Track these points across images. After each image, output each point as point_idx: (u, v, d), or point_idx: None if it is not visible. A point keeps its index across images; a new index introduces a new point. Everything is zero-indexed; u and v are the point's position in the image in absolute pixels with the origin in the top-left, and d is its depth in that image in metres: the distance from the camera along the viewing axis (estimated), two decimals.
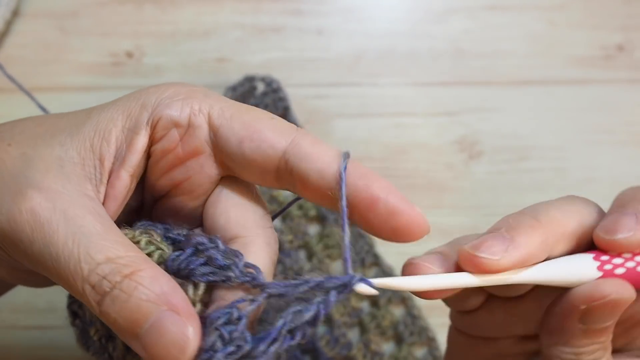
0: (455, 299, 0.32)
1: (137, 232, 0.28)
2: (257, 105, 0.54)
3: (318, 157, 0.27)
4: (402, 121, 0.57)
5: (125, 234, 0.27)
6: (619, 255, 0.28)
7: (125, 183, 0.28)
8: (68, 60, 0.57)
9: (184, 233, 0.29)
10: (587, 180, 0.57)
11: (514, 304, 0.31)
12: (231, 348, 0.24)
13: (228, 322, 0.25)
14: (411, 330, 0.51)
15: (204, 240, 0.27)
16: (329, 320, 0.51)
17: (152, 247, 0.27)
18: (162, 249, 0.27)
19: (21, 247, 0.25)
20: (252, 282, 0.26)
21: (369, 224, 0.27)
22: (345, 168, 0.26)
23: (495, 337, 0.33)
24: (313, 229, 0.54)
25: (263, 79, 0.56)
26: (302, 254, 0.53)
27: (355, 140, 0.56)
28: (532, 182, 0.56)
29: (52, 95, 0.55)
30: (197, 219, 0.31)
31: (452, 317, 0.35)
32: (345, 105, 0.57)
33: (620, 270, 0.28)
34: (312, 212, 0.53)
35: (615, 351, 0.30)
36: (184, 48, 0.57)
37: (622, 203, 0.30)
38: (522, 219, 0.28)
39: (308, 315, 0.25)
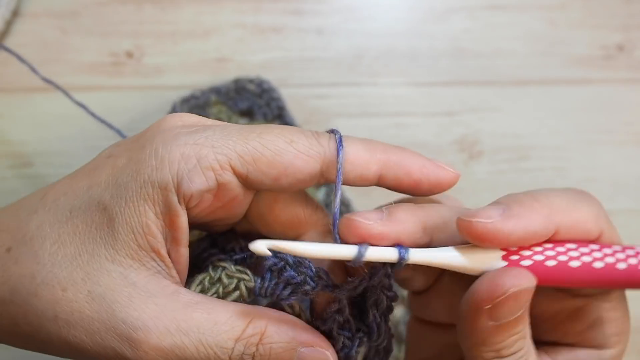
0: (403, 279, 0.33)
1: (211, 271, 0.30)
2: (251, 108, 0.54)
3: (354, 167, 0.29)
4: (402, 121, 0.57)
5: (203, 279, 0.29)
6: (528, 247, 0.28)
7: (186, 256, 0.29)
8: (68, 60, 0.57)
9: (246, 249, 0.30)
10: (587, 180, 0.57)
11: (461, 288, 0.31)
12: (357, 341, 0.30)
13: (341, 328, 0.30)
14: None
15: (275, 260, 0.29)
16: None
17: (234, 280, 0.29)
18: (242, 278, 0.29)
19: None
20: (325, 289, 0.29)
21: (413, 194, 0.31)
22: (341, 166, 0.28)
23: (446, 323, 0.33)
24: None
25: (252, 81, 0.55)
26: None
27: None
28: (532, 182, 0.56)
29: (52, 95, 0.55)
30: (233, 223, 0.32)
31: (409, 301, 0.36)
32: (345, 105, 0.57)
33: (526, 262, 0.27)
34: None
35: (550, 344, 0.31)
36: (184, 48, 0.57)
37: (499, 200, 0.30)
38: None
39: (383, 305, 0.30)
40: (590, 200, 0.30)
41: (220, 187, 0.28)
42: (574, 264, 0.28)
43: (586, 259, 0.28)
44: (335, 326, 0.29)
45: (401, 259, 0.27)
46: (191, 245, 0.30)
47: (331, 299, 0.29)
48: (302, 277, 0.28)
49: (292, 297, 0.29)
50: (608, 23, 0.60)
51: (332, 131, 0.29)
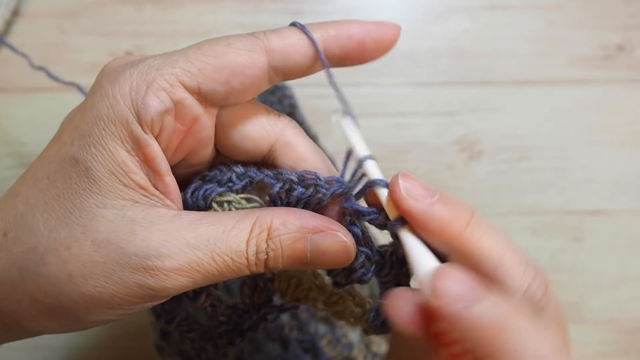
0: None
1: (217, 207, 0.30)
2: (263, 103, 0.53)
3: (296, 48, 0.29)
4: (402, 121, 0.57)
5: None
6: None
7: (174, 183, 0.29)
8: (68, 60, 0.57)
9: (242, 174, 0.30)
10: (587, 180, 0.57)
11: None
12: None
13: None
14: None
15: (279, 184, 0.29)
16: (330, 320, 0.51)
17: (255, 203, 0.30)
18: (254, 207, 0.30)
19: (185, 290, 0.28)
20: (341, 193, 0.30)
21: (366, 58, 0.30)
22: (318, 45, 0.29)
23: None
24: None
25: None
26: None
27: None
28: (532, 182, 0.56)
29: (53, 95, 0.55)
30: (212, 158, 0.32)
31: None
32: None
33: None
34: None
35: None
36: None
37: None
38: (459, 207, 0.28)
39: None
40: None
41: (177, 106, 0.28)
42: None
43: None
44: (355, 238, 0.29)
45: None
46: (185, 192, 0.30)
47: (342, 211, 0.30)
48: (312, 188, 0.29)
49: (304, 206, 0.29)
50: (608, 23, 0.60)
51: (293, 24, 0.30)
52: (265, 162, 0.32)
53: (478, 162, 0.57)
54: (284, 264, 0.28)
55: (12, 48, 0.46)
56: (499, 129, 0.57)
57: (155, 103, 0.27)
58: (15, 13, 0.57)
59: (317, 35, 0.29)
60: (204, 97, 0.28)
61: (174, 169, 0.31)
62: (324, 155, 0.32)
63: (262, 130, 0.31)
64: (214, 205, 0.30)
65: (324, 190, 0.29)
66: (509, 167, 0.57)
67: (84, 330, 0.29)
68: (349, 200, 0.29)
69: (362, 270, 0.30)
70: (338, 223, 0.29)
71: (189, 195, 0.30)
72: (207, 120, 0.29)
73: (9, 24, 0.57)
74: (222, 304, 0.33)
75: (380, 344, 0.51)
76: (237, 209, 0.30)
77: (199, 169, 0.32)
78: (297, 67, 0.29)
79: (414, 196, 0.26)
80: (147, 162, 0.28)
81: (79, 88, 0.47)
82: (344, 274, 0.30)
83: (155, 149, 0.28)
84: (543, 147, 0.57)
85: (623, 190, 0.57)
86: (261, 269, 0.28)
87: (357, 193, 0.29)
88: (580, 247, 0.56)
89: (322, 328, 0.51)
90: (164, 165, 0.28)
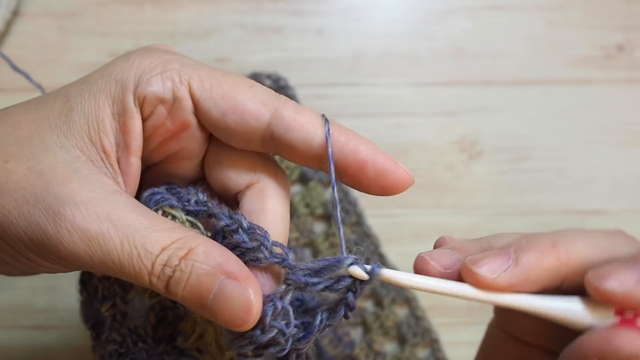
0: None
1: (159, 214, 0.28)
2: None
3: (302, 126, 0.28)
4: (402, 121, 0.57)
5: None
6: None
7: (137, 167, 0.29)
8: (68, 60, 0.57)
9: (202, 201, 0.29)
10: (587, 180, 0.57)
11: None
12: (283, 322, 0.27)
13: (274, 312, 0.27)
14: (414, 331, 0.51)
15: (228, 222, 0.28)
16: None
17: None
18: (201, 230, 0.28)
19: (79, 262, 0.26)
20: (281, 264, 0.27)
21: (358, 184, 0.29)
22: (329, 134, 0.28)
23: (527, 341, 0.32)
24: (319, 228, 0.54)
25: (269, 76, 0.56)
26: (307, 252, 0.53)
27: None
28: (532, 182, 0.56)
29: None
30: (194, 176, 0.32)
31: (495, 308, 0.35)
32: (345, 105, 0.57)
33: None
34: (319, 211, 0.53)
35: None
36: (184, 48, 0.57)
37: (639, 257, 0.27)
38: (538, 241, 0.27)
39: (338, 317, 0.27)
40: (626, 241, 0.28)
41: (175, 102, 0.28)
42: None
43: None
44: (270, 312, 0.27)
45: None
46: (145, 188, 0.29)
47: (279, 279, 0.28)
48: (257, 244, 0.27)
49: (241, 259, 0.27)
50: (608, 23, 0.60)
51: (323, 115, 0.29)
52: (238, 198, 0.30)
53: (478, 162, 0.57)
54: (183, 292, 0.26)
55: (12, 64, 0.46)
56: (499, 129, 0.57)
57: (157, 86, 0.27)
58: (15, 13, 0.57)
59: (343, 142, 0.28)
60: (199, 110, 0.28)
61: (152, 168, 0.31)
62: (287, 222, 0.30)
63: (242, 170, 0.30)
64: (159, 212, 0.29)
65: (266, 253, 0.27)
66: (509, 167, 0.57)
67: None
68: (294, 274, 0.27)
69: (275, 347, 0.27)
70: (258, 284, 0.27)
71: (145, 194, 0.29)
72: (196, 133, 0.29)
73: (9, 24, 0.57)
74: (123, 322, 0.31)
75: (382, 343, 0.51)
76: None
77: (177, 180, 0.32)
78: (293, 146, 0.28)
79: (496, 272, 0.26)
80: (123, 133, 0.28)
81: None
82: (252, 347, 0.27)
83: (136, 124, 0.28)
84: (543, 147, 0.57)
85: (623, 190, 0.57)
86: (159, 286, 0.26)
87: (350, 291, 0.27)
88: None
89: None
90: (136, 144, 0.28)
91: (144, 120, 0.28)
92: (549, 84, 0.58)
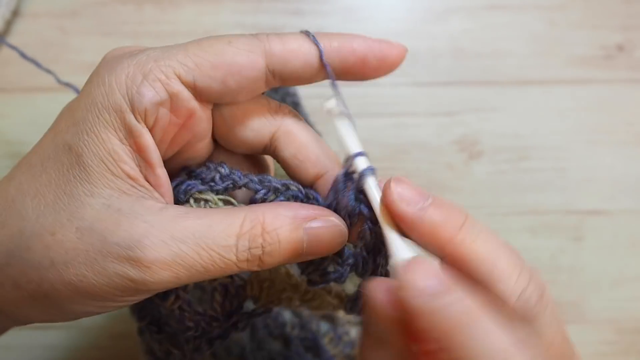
0: None
1: (194, 204, 0.30)
2: None
3: (295, 52, 0.29)
4: (402, 121, 0.57)
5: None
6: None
7: (165, 176, 0.29)
8: (68, 60, 0.57)
9: (226, 175, 0.30)
10: (587, 180, 0.57)
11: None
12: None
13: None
14: None
15: (262, 191, 0.30)
16: (332, 318, 0.51)
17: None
18: (235, 205, 0.30)
19: (170, 286, 0.27)
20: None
21: (366, 75, 0.31)
22: (321, 52, 0.29)
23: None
24: None
25: None
26: None
27: None
28: (532, 182, 0.56)
29: (52, 95, 0.55)
30: (209, 152, 0.32)
31: None
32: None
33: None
34: None
35: None
36: None
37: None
38: (455, 215, 0.27)
39: (367, 238, 0.30)
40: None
41: (172, 98, 0.28)
42: None
43: None
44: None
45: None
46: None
47: None
48: (293, 200, 0.29)
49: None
50: (608, 23, 0.60)
51: (303, 31, 0.30)
52: (267, 152, 0.31)
53: (478, 162, 0.57)
54: (281, 257, 0.28)
55: (22, 54, 0.46)
56: (499, 129, 0.57)
57: (150, 94, 0.27)
58: (15, 13, 0.57)
59: (322, 45, 0.29)
60: (199, 92, 0.28)
61: (168, 162, 0.30)
62: (325, 144, 0.32)
63: (262, 119, 0.31)
64: (191, 201, 0.29)
65: (314, 203, 0.29)
66: (509, 167, 0.57)
67: (70, 321, 0.29)
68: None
69: (336, 272, 0.30)
70: (329, 210, 0.29)
71: (172, 188, 0.30)
72: (202, 115, 0.29)
73: (9, 24, 0.57)
74: (190, 309, 0.32)
75: None
76: (211, 208, 0.29)
77: (193, 163, 0.32)
78: (296, 74, 0.29)
79: (407, 200, 0.26)
80: (139, 152, 0.27)
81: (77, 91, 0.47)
82: (318, 273, 0.30)
83: (147, 139, 0.27)
84: (543, 147, 0.57)
85: (623, 190, 0.57)
86: (251, 267, 0.28)
87: (349, 193, 0.29)
88: (580, 247, 0.56)
89: (324, 326, 0.51)
90: (155, 157, 0.28)
91: (151, 129, 0.28)
92: (549, 84, 0.58)
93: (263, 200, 0.29)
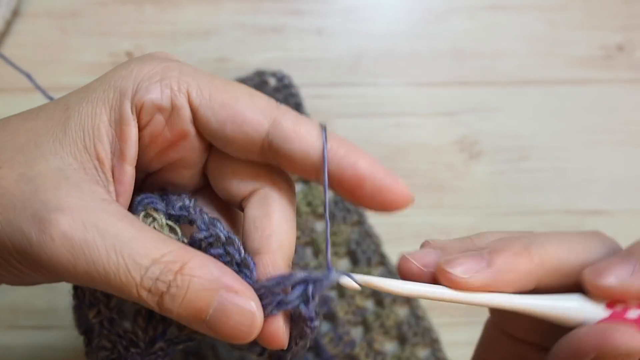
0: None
1: (142, 216, 0.28)
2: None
3: (301, 138, 0.27)
4: (402, 121, 0.57)
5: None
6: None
7: (131, 176, 0.28)
8: (68, 60, 0.57)
9: (186, 207, 0.29)
10: (587, 180, 0.57)
11: None
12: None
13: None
14: (415, 330, 0.51)
15: (206, 233, 0.28)
16: (332, 318, 0.51)
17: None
18: (169, 235, 0.28)
19: (62, 271, 0.25)
20: (246, 279, 0.27)
21: (356, 200, 0.28)
22: (325, 150, 0.27)
23: (521, 338, 0.32)
24: (320, 226, 0.54)
25: (274, 74, 0.55)
26: (308, 251, 0.53)
27: (355, 140, 0.55)
28: (532, 182, 0.56)
29: (52, 95, 0.55)
30: (196, 184, 0.31)
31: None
32: (345, 105, 0.57)
33: (634, 314, 0.26)
34: (320, 210, 0.53)
35: None
36: (184, 48, 0.57)
37: (632, 250, 0.27)
38: (511, 244, 0.27)
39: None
40: (600, 242, 0.29)
41: (173, 110, 0.27)
42: None
43: None
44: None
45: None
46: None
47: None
48: (229, 258, 0.27)
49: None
50: (608, 23, 0.60)
51: (321, 125, 0.28)
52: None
53: (478, 162, 0.57)
54: (179, 308, 0.25)
55: (14, 65, 0.46)
56: (499, 129, 0.57)
57: (156, 93, 0.27)
58: (15, 13, 0.57)
59: (328, 145, 0.27)
60: (197, 118, 0.28)
61: (150, 177, 0.30)
62: (293, 224, 0.30)
63: (252, 168, 0.30)
64: (142, 214, 0.28)
65: (236, 268, 0.27)
66: (509, 167, 0.57)
67: None
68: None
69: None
70: (253, 292, 0.26)
71: (138, 198, 0.29)
72: (194, 143, 0.29)
73: (9, 24, 0.57)
74: (111, 327, 0.30)
75: (382, 342, 0.51)
76: (155, 229, 0.28)
77: (174, 188, 0.31)
78: (291, 156, 0.27)
79: (470, 273, 0.26)
80: (119, 140, 0.27)
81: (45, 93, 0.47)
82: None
83: (132, 131, 0.27)
84: (543, 147, 0.57)
85: (623, 190, 0.57)
86: (150, 301, 0.25)
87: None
88: None
89: (324, 326, 0.51)
90: (131, 152, 0.28)
91: (141, 128, 0.28)
92: (549, 84, 0.58)
93: (201, 241, 0.28)
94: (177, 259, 0.25)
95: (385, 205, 0.27)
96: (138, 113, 0.27)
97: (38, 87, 0.42)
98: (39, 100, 0.56)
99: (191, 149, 0.29)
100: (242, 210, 0.30)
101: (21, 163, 0.26)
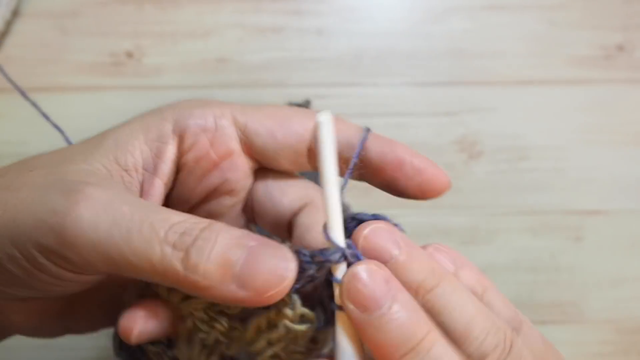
0: None
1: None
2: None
3: (345, 131, 0.29)
4: (402, 121, 0.57)
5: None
6: None
7: (160, 191, 0.28)
8: (68, 60, 0.57)
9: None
10: (587, 180, 0.57)
11: None
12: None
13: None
14: None
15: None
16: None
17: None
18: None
19: (84, 239, 0.23)
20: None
21: (397, 183, 0.29)
22: (365, 139, 0.28)
23: None
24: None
25: (300, 104, 0.56)
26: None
27: None
28: (532, 182, 0.56)
29: (52, 95, 0.55)
30: (234, 218, 0.31)
31: None
32: (345, 105, 0.57)
33: None
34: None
35: None
36: (184, 48, 0.57)
37: None
38: None
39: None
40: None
41: (217, 130, 0.28)
42: None
43: None
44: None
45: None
46: None
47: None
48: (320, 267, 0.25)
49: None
50: (608, 23, 0.60)
51: (367, 128, 0.30)
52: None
53: (478, 162, 0.57)
54: (206, 263, 0.22)
55: (14, 85, 0.46)
56: (499, 129, 0.57)
57: (199, 117, 0.28)
58: (15, 13, 0.57)
59: (368, 138, 0.29)
60: (246, 134, 0.29)
61: (193, 210, 0.30)
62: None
63: (302, 193, 0.31)
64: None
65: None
66: (509, 167, 0.57)
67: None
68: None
69: None
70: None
71: None
72: (239, 162, 0.29)
73: (9, 24, 0.57)
74: None
75: None
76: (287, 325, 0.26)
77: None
78: (339, 153, 0.27)
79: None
80: (154, 157, 0.28)
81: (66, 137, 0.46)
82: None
83: (169, 150, 0.28)
84: (543, 147, 0.57)
85: (623, 190, 0.57)
86: (174, 260, 0.23)
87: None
88: (580, 247, 0.56)
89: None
90: (164, 168, 0.28)
91: (184, 152, 0.28)
92: (548, 84, 0.58)
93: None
94: (204, 221, 0.24)
95: (423, 186, 0.29)
96: (182, 136, 0.28)
97: (34, 104, 0.41)
98: (39, 100, 0.56)
99: (235, 170, 0.29)
100: (288, 230, 0.30)
101: (52, 166, 0.27)
